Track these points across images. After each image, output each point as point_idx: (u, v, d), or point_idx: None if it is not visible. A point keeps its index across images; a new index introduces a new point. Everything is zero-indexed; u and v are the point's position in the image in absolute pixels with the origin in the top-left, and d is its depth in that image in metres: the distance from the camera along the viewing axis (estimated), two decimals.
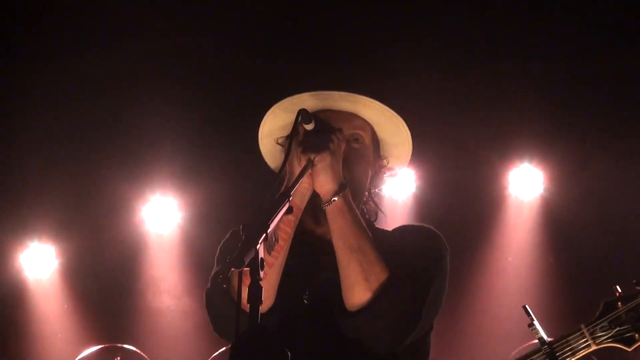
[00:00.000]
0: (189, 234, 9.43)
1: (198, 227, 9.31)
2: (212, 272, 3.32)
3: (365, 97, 3.45)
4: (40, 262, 9.37)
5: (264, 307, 3.10)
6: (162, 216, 9.40)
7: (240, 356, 2.51)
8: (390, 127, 3.56)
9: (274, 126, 3.58)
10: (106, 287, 9.31)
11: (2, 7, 8.07)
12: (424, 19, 8.25)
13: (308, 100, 3.44)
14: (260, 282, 2.56)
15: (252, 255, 2.54)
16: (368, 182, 3.54)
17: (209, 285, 3.35)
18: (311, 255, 3.42)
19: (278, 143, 3.63)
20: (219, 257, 3.43)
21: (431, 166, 8.85)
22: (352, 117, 3.49)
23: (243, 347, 2.51)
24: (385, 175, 3.68)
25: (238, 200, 8.44)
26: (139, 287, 9.45)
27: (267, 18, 8.32)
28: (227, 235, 3.49)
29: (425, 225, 3.54)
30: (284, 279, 3.23)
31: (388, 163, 3.66)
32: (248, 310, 2.55)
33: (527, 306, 3.66)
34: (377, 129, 3.57)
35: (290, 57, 8.26)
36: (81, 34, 8.31)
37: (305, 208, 3.32)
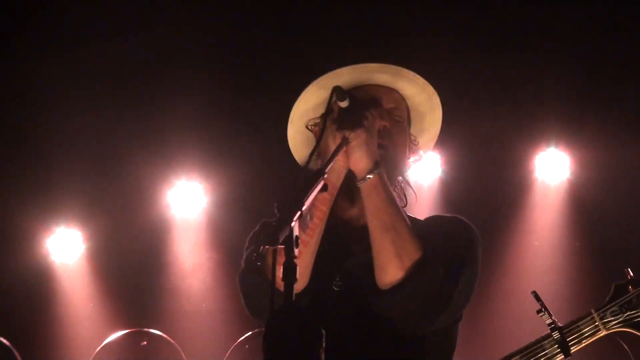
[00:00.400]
0: (215, 219, 9.43)
1: (224, 212, 9.30)
2: (245, 254, 3.33)
3: (406, 70, 3.44)
4: (67, 247, 9.40)
5: (298, 287, 3.08)
6: (187, 201, 9.40)
7: (275, 333, 2.50)
8: (426, 104, 3.55)
9: (308, 106, 3.54)
10: (132, 272, 9.33)
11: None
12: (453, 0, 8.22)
13: (345, 75, 3.42)
14: (295, 260, 2.55)
15: (286, 232, 2.53)
16: (407, 156, 3.52)
17: (242, 265, 3.35)
18: (341, 240, 3.41)
19: (308, 128, 3.61)
20: (248, 248, 3.42)
21: (457, 150, 8.82)
22: (391, 90, 3.48)
23: (278, 325, 2.51)
24: (413, 156, 3.64)
25: (264, 185, 8.45)
26: (165, 272, 9.47)
27: None
28: (257, 226, 3.48)
29: (458, 216, 3.53)
30: (315, 265, 3.22)
31: (418, 143, 3.62)
32: (282, 289, 2.54)
33: (536, 292, 3.61)
34: (411, 105, 3.55)
35: (319, 38, 8.23)
36: (109, 20, 8.32)
37: (340, 187, 3.30)
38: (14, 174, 8.94)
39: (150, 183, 9.28)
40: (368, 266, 3.19)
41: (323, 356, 2.51)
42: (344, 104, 3.26)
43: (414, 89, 3.49)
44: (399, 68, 3.42)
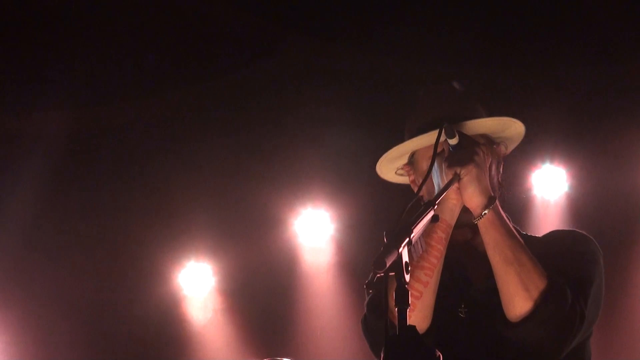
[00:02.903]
0: (343, 245, 9.43)
1: (352, 238, 9.29)
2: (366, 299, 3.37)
3: (466, 123, 3.41)
4: (197, 280, 9.52)
5: (422, 328, 3.18)
6: (314, 229, 9.44)
7: (392, 358, 2.50)
8: (495, 129, 3.52)
9: (389, 173, 3.73)
10: (263, 303, 9.38)
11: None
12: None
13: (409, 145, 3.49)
14: (406, 285, 2.52)
15: (394, 258, 2.52)
16: (497, 180, 3.49)
17: (365, 311, 3.39)
18: (462, 268, 3.41)
19: (398, 174, 3.73)
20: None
21: (584, 164, 8.67)
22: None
23: (393, 351, 2.50)
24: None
25: (389, 208, 8.42)
26: (296, 301, 9.49)
27: None
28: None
29: (577, 230, 3.51)
30: (437, 295, 3.23)
31: (506, 148, 3.60)
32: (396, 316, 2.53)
33: None
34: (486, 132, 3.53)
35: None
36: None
37: (455, 226, 3.31)
38: (142, 212, 9.11)
39: (277, 212, 9.33)
40: (492, 292, 3.19)
41: None
42: (453, 141, 3.26)
43: (484, 128, 3.49)
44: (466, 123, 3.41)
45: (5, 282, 8.98)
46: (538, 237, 3.53)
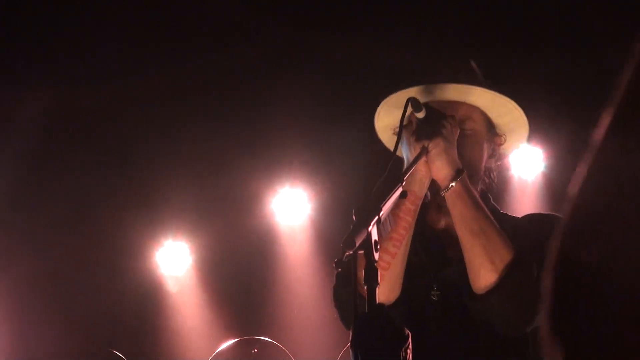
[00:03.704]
0: (320, 225, 9.45)
1: (329, 218, 9.31)
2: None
3: (472, 87, 3.43)
4: (175, 259, 9.54)
5: (389, 300, 3.23)
6: (292, 208, 9.45)
7: (359, 337, 2.51)
8: (499, 108, 3.51)
9: (387, 122, 3.60)
10: (240, 281, 9.41)
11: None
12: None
13: (414, 94, 3.42)
14: (375, 263, 2.56)
15: (363, 236, 2.54)
16: (483, 164, 3.50)
17: (334, 282, 3.41)
18: (435, 250, 3.44)
19: (395, 134, 3.62)
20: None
21: (561, 145, 8.69)
22: (458, 104, 3.46)
23: (361, 328, 2.52)
24: (503, 152, 3.64)
25: (369, 189, 8.42)
26: (272, 279, 9.51)
27: None
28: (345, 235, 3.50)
29: (555, 214, 3.52)
30: (409, 275, 3.26)
31: (505, 140, 3.60)
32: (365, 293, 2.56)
33: None
34: (486, 111, 3.52)
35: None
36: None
37: (429, 199, 3.36)
38: (119, 191, 9.11)
39: (254, 191, 9.35)
40: (465, 274, 3.21)
41: (410, 356, 2.51)
42: (420, 114, 3.28)
43: (479, 98, 3.47)
44: (465, 86, 3.42)
45: None
46: (517, 217, 3.57)
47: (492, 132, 3.55)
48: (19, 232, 9.06)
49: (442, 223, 3.48)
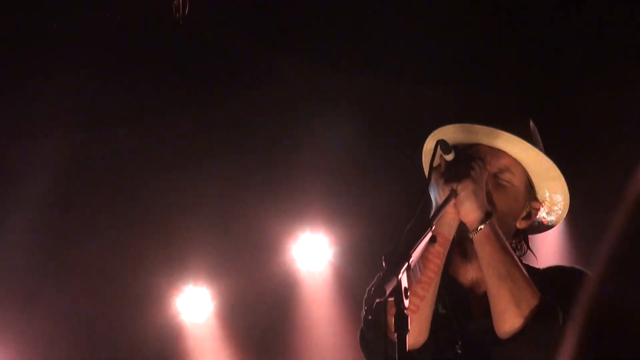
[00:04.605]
0: (341, 270, 9.41)
1: (350, 263, 9.27)
2: (362, 312, 3.35)
3: (517, 138, 3.38)
4: (196, 305, 9.51)
5: (418, 342, 3.19)
6: (313, 253, 9.42)
7: None
8: (541, 170, 3.47)
9: (426, 159, 3.53)
10: (262, 327, 9.37)
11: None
12: None
13: (453, 133, 3.41)
14: (405, 310, 2.54)
15: (394, 284, 2.53)
16: (515, 221, 3.47)
17: (362, 325, 3.37)
18: (461, 302, 3.41)
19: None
20: (365, 299, 3.43)
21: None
22: (502, 153, 3.43)
23: None
24: (541, 222, 3.61)
25: (390, 236, 8.38)
26: (293, 325, 9.46)
27: None
28: (375, 280, 3.48)
29: (577, 267, 3.50)
30: (434, 326, 3.22)
31: (544, 208, 3.56)
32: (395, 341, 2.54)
33: None
34: (528, 170, 3.48)
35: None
36: None
37: (454, 246, 3.32)
38: (139, 236, 9.10)
39: (275, 238, 9.32)
40: (490, 331, 3.18)
41: None
42: (449, 157, 3.26)
43: (521, 152, 3.43)
44: (503, 133, 3.38)
45: (6, 301, 8.97)
46: (538, 268, 3.52)
47: (531, 194, 3.51)
48: (40, 273, 9.06)
49: (468, 276, 3.44)
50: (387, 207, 8.46)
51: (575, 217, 8.58)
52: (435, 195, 3.27)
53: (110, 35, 7.93)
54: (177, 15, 7.51)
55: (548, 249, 8.50)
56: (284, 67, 8.49)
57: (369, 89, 8.53)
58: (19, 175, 8.66)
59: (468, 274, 3.44)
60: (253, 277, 9.30)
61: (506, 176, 3.41)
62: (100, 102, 8.46)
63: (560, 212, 3.59)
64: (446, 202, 3.16)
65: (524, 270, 3.19)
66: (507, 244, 3.26)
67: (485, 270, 3.20)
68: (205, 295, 9.50)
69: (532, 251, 3.62)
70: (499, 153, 3.41)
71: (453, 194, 3.18)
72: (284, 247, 9.41)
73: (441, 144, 3.24)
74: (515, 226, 3.48)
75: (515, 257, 3.24)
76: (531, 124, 3.52)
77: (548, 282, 3.31)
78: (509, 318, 3.10)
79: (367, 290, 3.34)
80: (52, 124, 8.34)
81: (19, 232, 8.67)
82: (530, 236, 3.61)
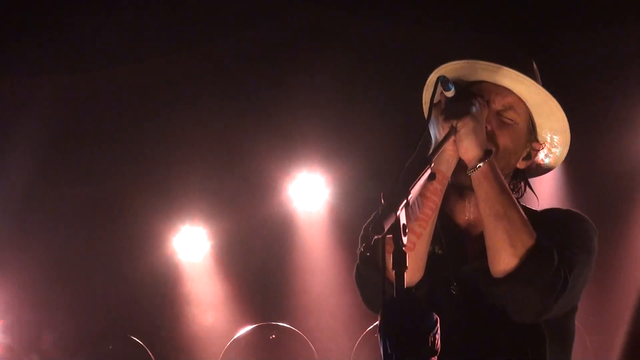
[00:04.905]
0: (338, 210, 9.42)
1: (347, 203, 9.27)
2: (358, 249, 3.33)
3: (525, 77, 3.35)
4: (192, 244, 9.54)
5: (413, 279, 3.18)
6: (309, 193, 9.42)
7: (388, 322, 2.50)
8: (545, 109, 3.43)
9: (426, 98, 3.50)
10: (258, 267, 9.41)
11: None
12: None
13: (457, 70, 3.38)
14: (403, 247, 2.52)
15: (392, 221, 2.50)
16: (516, 160, 3.44)
17: (357, 261, 3.34)
18: (456, 243, 3.39)
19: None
20: (362, 235, 3.41)
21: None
22: (507, 91, 3.39)
23: (390, 313, 2.50)
24: (538, 164, 3.59)
25: (386, 175, 8.38)
26: (290, 265, 9.50)
27: None
28: (371, 217, 3.46)
29: (574, 210, 3.48)
30: (429, 267, 3.22)
31: (544, 150, 3.54)
32: (393, 278, 2.53)
33: None
34: (531, 110, 3.45)
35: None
36: None
37: (452, 187, 3.30)
38: (137, 176, 9.11)
39: (271, 177, 9.32)
40: (484, 271, 3.16)
41: (438, 341, 2.51)
42: (449, 93, 3.21)
43: (527, 91, 3.39)
44: (512, 71, 3.34)
45: (2, 245, 8.99)
46: (535, 210, 3.50)
47: (532, 134, 3.48)
48: (37, 221, 9.08)
49: (465, 216, 3.43)
50: (385, 147, 8.45)
51: (574, 162, 8.68)
52: (435, 132, 3.22)
53: None
54: None
55: (546, 192, 8.53)
56: (280, 6, 8.43)
57: (367, 25, 8.48)
58: (15, 115, 8.64)
59: (465, 214, 3.42)
60: (250, 216, 9.32)
61: (510, 114, 3.38)
62: (99, 43, 8.42)
63: (558, 154, 3.57)
64: (445, 139, 3.11)
65: (521, 210, 3.16)
66: (506, 183, 3.23)
67: (482, 208, 3.16)
68: (202, 235, 9.53)
69: (533, 191, 3.61)
70: (503, 91, 3.38)
71: (453, 131, 3.14)
72: (280, 187, 9.41)
73: (442, 80, 3.19)
74: (516, 166, 3.46)
75: (513, 197, 3.21)
76: (534, 65, 3.50)
77: (544, 223, 3.27)
78: (504, 257, 3.08)
79: (364, 228, 3.34)
80: (52, 63, 8.31)
81: (15, 174, 8.67)
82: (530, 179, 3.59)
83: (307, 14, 8.37)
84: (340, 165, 9.22)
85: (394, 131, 8.08)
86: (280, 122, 8.96)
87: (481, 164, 3.15)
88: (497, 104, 3.36)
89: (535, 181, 3.64)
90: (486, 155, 3.16)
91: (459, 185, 3.33)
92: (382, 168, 8.49)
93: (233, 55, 8.74)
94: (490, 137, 3.28)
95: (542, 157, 3.56)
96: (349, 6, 8.40)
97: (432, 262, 3.24)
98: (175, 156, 9.08)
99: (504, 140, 3.34)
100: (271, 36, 8.64)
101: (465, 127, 3.13)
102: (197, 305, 9.57)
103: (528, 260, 3.07)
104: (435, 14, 8.03)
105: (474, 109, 3.17)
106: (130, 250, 9.28)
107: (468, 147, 3.15)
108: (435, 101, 3.20)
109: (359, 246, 3.26)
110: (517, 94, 3.40)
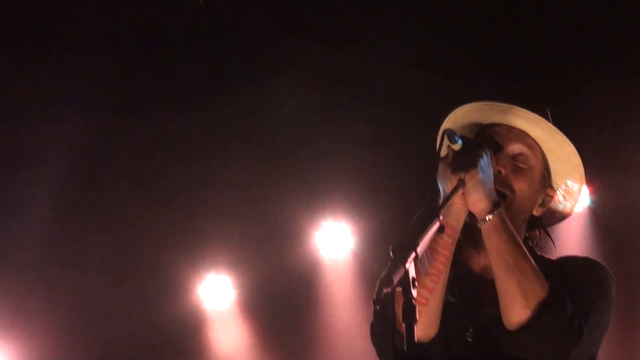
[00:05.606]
0: (363, 258, 9.41)
1: (372, 251, 9.27)
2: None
3: (536, 116, 3.34)
4: (218, 293, 9.53)
5: (427, 335, 3.15)
6: (335, 241, 9.43)
7: None
8: (561, 155, 3.43)
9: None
10: (283, 315, 9.39)
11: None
12: None
13: (471, 113, 3.39)
14: (413, 300, 2.51)
15: (401, 273, 2.51)
16: (532, 206, 3.42)
17: (372, 319, 3.36)
18: (471, 288, 3.37)
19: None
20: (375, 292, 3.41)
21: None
22: (522, 135, 3.38)
23: None
24: (553, 211, 3.56)
25: (406, 224, 8.36)
26: (315, 314, 9.49)
27: None
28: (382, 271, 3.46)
29: (591, 258, 3.46)
30: (444, 315, 3.19)
31: (558, 196, 3.53)
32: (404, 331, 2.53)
33: None
34: (547, 155, 3.44)
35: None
36: None
37: (464, 234, 3.26)
38: (163, 224, 9.14)
39: (298, 225, 9.35)
40: (498, 320, 3.13)
41: None
42: (456, 146, 3.17)
43: (542, 134, 3.39)
44: (529, 113, 3.34)
45: (28, 287, 9.03)
46: (552, 259, 3.46)
47: (547, 180, 3.47)
48: (62, 260, 9.11)
49: (479, 264, 3.41)
50: (410, 196, 8.44)
51: (601, 208, 8.63)
52: (443, 186, 3.19)
53: (129, 21, 7.97)
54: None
55: (570, 240, 8.48)
56: (310, 56, 8.50)
57: (393, 74, 8.53)
58: (41, 160, 8.70)
59: (479, 263, 3.41)
60: (275, 265, 9.31)
61: (524, 159, 3.36)
62: (123, 88, 8.50)
63: (573, 202, 3.55)
64: (454, 192, 3.09)
65: (532, 261, 3.13)
66: (516, 234, 3.18)
67: (493, 260, 3.14)
68: (227, 284, 9.53)
69: (551, 238, 3.58)
70: (518, 134, 3.38)
71: (461, 183, 3.11)
72: (306, 235, 9.43)
73: (448, 133, 3.16)
74: (532, 212, 3.44)
75: (524, 247, 3.16)
76: (548, 112, 3.48)
77: (559, 272, 3.25)
78: (516, 310, 3.05)
79: (375, 283, 3.34)
80: (77, 109, 8.39)
81: (41, 219, 8.71)
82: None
83: (330, 61, 8.43)
84: (366, 213, 9.23)
85: (418, 180, 8.07)
86: (306, 171, 8.99)
87: (490, 216, 3.12)
88: (512, 149, 3.36)
89: (558, 229, 3.62)
90: (495, 207, 3.13)
91: (472, 231, 3.29)
92: (407, 217, 8.46)
93: (258, 104, 8.80)
94: (505, 182, 3.28)
95: (557, 204, 3.55)
96: (374, 55, 8.45)
97: (446, 310, 3.21)
98: (201, 204, 9.11)
99: (519, 184, 3.33)
100: (297, 85, 8.69)
101: (472, 180, 3.10)
102: (222, 355, 9.55)
103: (540, 312, 3.03)
104: (458, 64, 8.06)
105: (481, 161, 3.14)
106: (156, 299, 9.28)
107: (476, 200, 3.13)
108: (442, 155, 3.20)
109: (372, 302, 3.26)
110: (533, 137, 3.39)
